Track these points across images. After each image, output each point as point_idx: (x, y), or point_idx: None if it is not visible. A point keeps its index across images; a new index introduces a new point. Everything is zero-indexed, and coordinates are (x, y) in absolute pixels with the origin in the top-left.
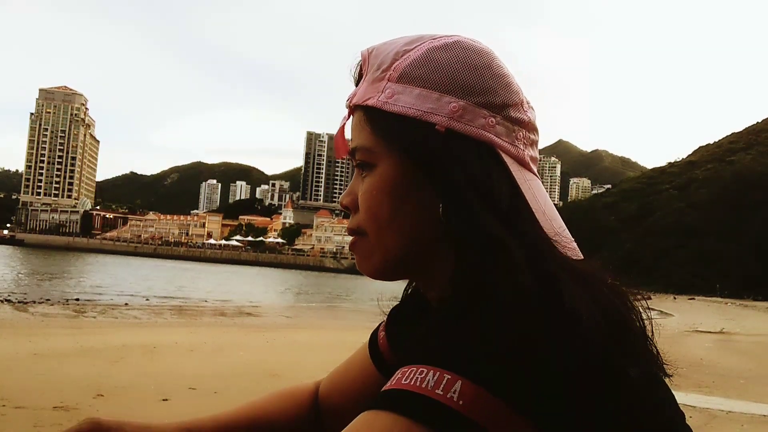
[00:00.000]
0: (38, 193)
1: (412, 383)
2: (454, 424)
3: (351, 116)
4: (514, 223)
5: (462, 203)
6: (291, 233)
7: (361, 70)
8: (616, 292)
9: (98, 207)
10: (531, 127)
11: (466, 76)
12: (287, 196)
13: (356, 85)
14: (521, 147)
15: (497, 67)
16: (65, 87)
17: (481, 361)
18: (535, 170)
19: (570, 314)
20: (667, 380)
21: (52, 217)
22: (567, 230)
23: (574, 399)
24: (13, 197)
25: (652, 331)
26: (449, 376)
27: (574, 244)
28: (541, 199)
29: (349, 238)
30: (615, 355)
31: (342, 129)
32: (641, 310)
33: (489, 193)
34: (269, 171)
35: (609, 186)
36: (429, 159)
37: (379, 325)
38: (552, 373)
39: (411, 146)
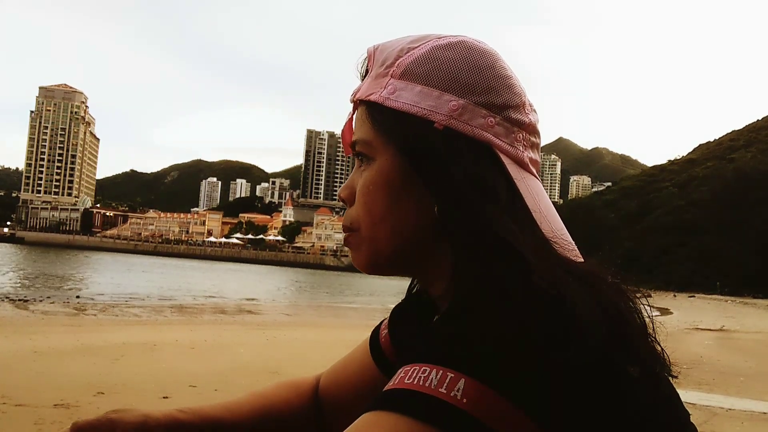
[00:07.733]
0: (38, 191)
1: (415, 382)
2: (459, 423)
3: (355, 111)
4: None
5: (460, 201)
6: (291, 231)
7: (367, 66)
8: (616, 290)
9: (98, 205)
10: (532, 130)
11: (468, 75)
12: (287, 194)
13: (362, 80)
14: (520, 148)
15: (500, 68)
16: (65, 85)
17: (484, 359)
18: (535, 172)
19: (571, 313)
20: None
21: (53, 215)
22: (567, 232)
23: (575, 396)
24: (13, 195)
25: (654, 329)
26: (452, 375)
27: (574, 246)
28: (540, 199)
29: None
30: (615, 354)
31: (349, 123)
32: (642, 308)
33: (486, 191)
34: (269, 169)
35: (609, 184)
36: (426, 156)
37: (382, 322)
38: (554, 371)
39: (408, 142)
